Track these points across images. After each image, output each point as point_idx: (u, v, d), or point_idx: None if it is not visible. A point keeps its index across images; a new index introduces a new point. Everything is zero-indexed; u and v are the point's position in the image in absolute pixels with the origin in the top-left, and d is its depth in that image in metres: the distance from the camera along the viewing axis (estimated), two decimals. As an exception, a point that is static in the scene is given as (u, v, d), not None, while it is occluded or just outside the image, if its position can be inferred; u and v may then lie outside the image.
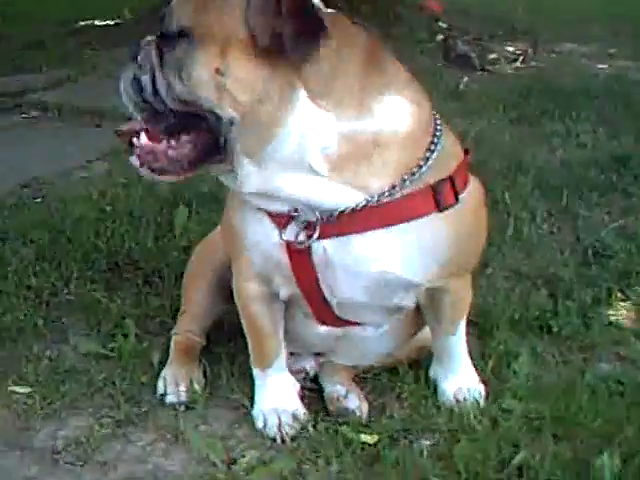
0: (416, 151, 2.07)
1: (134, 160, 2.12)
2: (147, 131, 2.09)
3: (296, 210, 2.06)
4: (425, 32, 7.90)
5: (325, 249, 2.10)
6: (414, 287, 2.22)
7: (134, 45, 2.06)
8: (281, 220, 2.10)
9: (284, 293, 2.28)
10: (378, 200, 2.03)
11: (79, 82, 6.54)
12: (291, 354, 2.55)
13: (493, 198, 3.91)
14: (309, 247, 2.10)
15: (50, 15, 9.54)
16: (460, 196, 2.12)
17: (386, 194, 2.03)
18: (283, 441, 2.30)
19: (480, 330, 2.83)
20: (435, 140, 2.11)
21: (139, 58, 2.03)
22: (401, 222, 2.07)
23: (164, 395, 2.51)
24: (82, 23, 9.07)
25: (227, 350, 2.74)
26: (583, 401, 2.37)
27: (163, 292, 3.10)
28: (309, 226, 2.07)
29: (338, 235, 2.08)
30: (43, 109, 5.68)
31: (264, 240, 2.16)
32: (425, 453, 2.19)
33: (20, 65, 7.03)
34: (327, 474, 2.15)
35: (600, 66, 7.38)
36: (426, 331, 2.54)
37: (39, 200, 4.10)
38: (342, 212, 2.03)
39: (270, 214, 2.12)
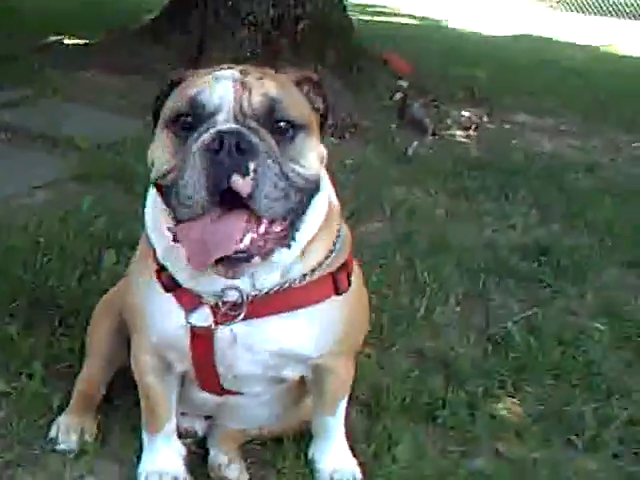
0: (331, 240, 2.25)
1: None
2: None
3: (222, 291, 2.16)
4: (385, 88, 8.05)
5: (232, 331, 2.21)
6: (306, 360, 2.36)
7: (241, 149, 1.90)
8: (189, 303, 2.20)
9: (178, 368, 2.39)
10: (298, 283, 2.18)
11: (38, 104, 6.56)
12: (182, 413, 2.68)
13: (413, 276, 4.08)
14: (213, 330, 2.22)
15: (21, 28, 9.56)
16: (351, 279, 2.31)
17: (305, 278, 2.18)
18: (162, 503, 2.41)
19: (369, 410, 2.97)
20: (339, 228, 2.29)
21: (255, 160, 1.90)
22: (308, 305, 2.22)
23: (55, 440, 2.62)
24: (52, 38, 9.10)
25: (124, 403, 2.85)
26: (450, 497, 2.51)
27: (77, 334, 3.17)
28: (216, 309, 2.18)
29: (251, 317, 2.19)
30: (-4, 129, 5.74)
31: (166, 322, 2.25)
32: (290, 532, 2.31)
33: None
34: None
35: (547, 142, 7.59)
36: (307, 407, 2.67)
37: (-26, 224, 4.17)
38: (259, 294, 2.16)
39: (179, 297, 2.21)
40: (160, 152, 2.02)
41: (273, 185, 1.91)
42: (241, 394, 2.48)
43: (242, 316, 2.16)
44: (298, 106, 2.05)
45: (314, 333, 2.27)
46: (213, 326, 2.20)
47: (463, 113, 8.16)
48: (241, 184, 1.86)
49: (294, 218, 2.04)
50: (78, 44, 8.90)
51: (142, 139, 5.69)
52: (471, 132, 7.65)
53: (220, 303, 2.16)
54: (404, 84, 8.38)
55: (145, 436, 2.53)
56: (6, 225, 4.09)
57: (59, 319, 3.33)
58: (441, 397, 3.09)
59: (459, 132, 7.55)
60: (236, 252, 1.92)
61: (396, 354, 3.41)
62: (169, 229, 2.05)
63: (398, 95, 7.96)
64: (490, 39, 15.25)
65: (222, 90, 1.95)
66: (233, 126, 1.92)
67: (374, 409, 2.97)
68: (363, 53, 8.75)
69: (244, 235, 1.93)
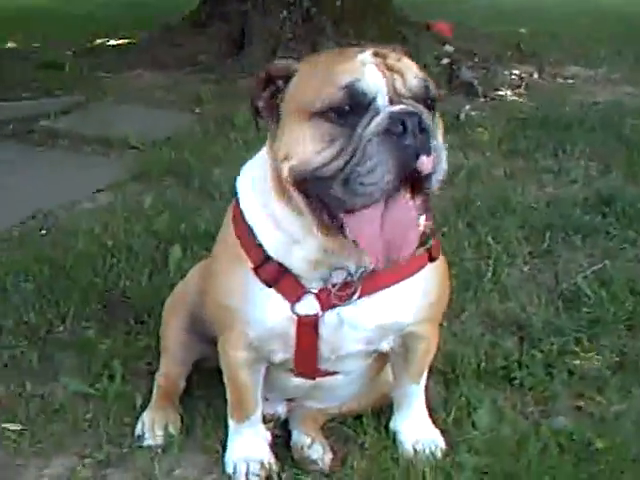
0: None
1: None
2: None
3: (330, 274, 2.18)
4: (431, 55, 7.99)
5: (339, 314, 2.24)
6: (404, 329, 2.38)
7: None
8: (293, 294, 2.22)
9: (278, 358, 2.40)
10: None
11: (89, 108, 6.69)
12: (265, 399, 2.71)
13: (477, 240, 4.06)
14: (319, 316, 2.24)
15: (65, 34, 9.70)
16: None
17: None
18: (249, 488, 2.47)
19: (445, 379, 2.98)
20: None
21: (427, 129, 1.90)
22: (410, 276, 2.25)
23: (141, 437, 2.68)
24: (99, 41, 9.23)
25: (205, 393, 2.91)
26: (533, 456, 2.52)
27: (152, 332, 3.23)
28: (321, 295, 2.21)
29: (361, 297, 2.21)
30: (54, 136, 5.85)
31: (270, 316, 2.26)
32: (379, 505, 2.34)
33: (33, 88, 7.22)
34: (286, 522, 2.31)
35: (601, 92, 7.48)
36: (386, 379, 2.71)
37: (44, 232, 4.29)
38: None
39: (281, 290, 2.22)
40: (312, 142, 1.96)
41: (445, 160, 1.94)
42: (333, 374, 2.51)
43: (357, 296, 2.19)
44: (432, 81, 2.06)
45: (414, 302, 2.31)
46: (320, 313, 2.23)
47: (512, 72, 8.08)
48: (428, 164, 1.87)
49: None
50: (122, 45, 9.01)
51: (194, 132, 5.81)
52: (522, 90, 7.57)
53: (330, 286, 2.18)
54: (450, 49, 8.34)
55: (232, 424, 2.58)
56: (73, 231, 4.18)
57: (133, 318, 3.40)
58: (516, 359, 3.09)
59: (510, 92, 7.49)
60: None
61: (467, 320, 3.41)
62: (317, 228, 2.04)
63: (445, 60, 7.91)
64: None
65: (375, 75, 1.93)
66: (404, 107, 1.90)
67: (450, 377, 2.99)
68: (404, 22, 8.72)
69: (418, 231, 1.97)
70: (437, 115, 2.03)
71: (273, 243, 2.18)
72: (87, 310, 3.44)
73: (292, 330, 2.26)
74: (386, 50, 2.04)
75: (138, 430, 2.71)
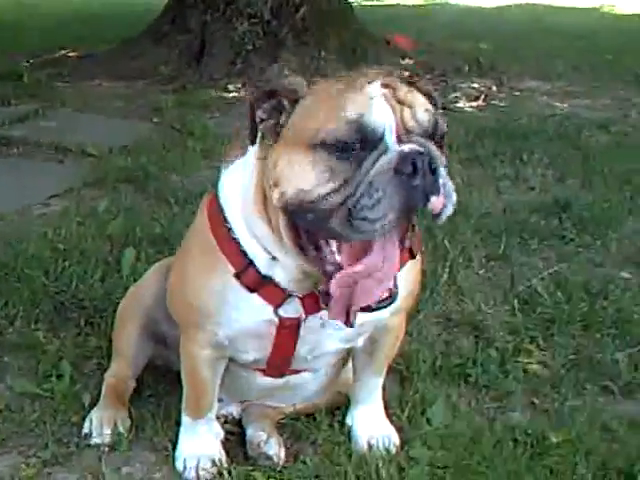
0: None
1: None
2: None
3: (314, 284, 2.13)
4: (391, 69, 8.00)
5: (322, 317, 2.20)
6: (380, 323, 2.36)
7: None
8: (276, 298, 2.17)
9: (249, 357, 2.37)
10: None
11: (46, 116, 6.62)
12: (219, 400, 2.68)
13: (434, 244, 4.05)
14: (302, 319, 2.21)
15: (23, 46, 9.62)
16: None
17: None
18: (200, 484, 2.42)
19: (401, 377, 2.96)
20: None
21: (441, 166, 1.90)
22: None
23: (89, 435, 2.62)
24: (58, 54, 9.16)
25: (154, 392, 2.86)
26: (487, 451, 2.49)
27: (103, 333, 3.18)
28: (306, 299, 2.17)
29: None
30: (6, 144, 5.76)
31: (251, 319, 2.22)
32: (331, 499, 2.31)
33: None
34: (235, 518, 2.27)
35: (558, 105, 7.56)
36: (343, 377, 2.68)
37: (-5, 236, 4.20)
38: None
39: (263, 294, 2.17)
40: (311, 175, 1.90)
41: (454, 195, 1.91)
42: (302, 371, 2.50)
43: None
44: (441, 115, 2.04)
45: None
46: (304, 316, 2.20)
47: (471, 85, 8.14)
48: (437, 204, 1.86)
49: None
50: (81, 56, 8.94)
51: (152, 140, 5.76)
52: (480, 103, 7.62)
53: (317, 292, 2.12)
54: (410, 62, 8.36)
55: (186, 421, 2.53)
56: (25, 235, 4.09)
57: (84, 320, 3.33)
58: (471, 357, 3.08)
59: (468, 104, 7.52)
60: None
61: (423, 320, 3.39)
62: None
63: (405, 74, 7.91)
64: (492, 10, 15.17)
65: (383, 109, 1.89)
66: (415, 147, 1.87)
67: (405, 375, 2.96)
68: (365, 36, 8.75)
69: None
70: (445, 150, 2.00)
71: (255, 254, 2.14)
72: (37, 312, 3.36)
73: (271, 332, 2.23)
74: (395, 80, 1.99)
75: (86, 428, 2.64)
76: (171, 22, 8.57)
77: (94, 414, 2.68)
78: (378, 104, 1.89)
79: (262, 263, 2.13)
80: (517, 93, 8.07)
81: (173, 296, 2.46)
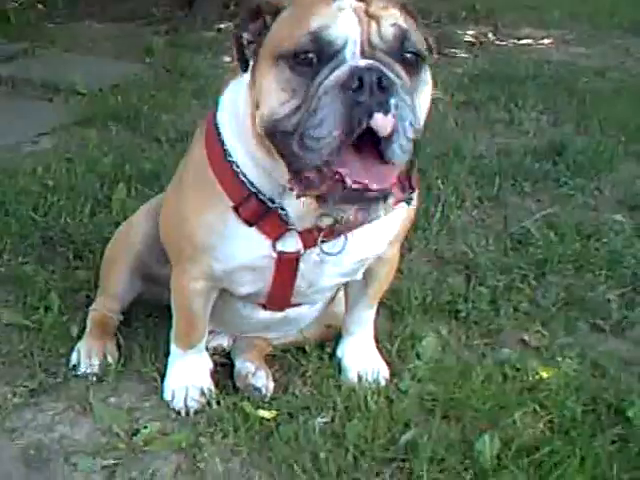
0: None
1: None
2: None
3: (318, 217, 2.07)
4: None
5: (320, 253, 2.17)
6: (377, 256, 2.34)
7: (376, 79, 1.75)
8: (275, 232, 2.12)
9: (244, 290, 2.33)
10: None
11: (36, 55, 6.51)
12: (210, 331, 2.66)
13: (427, 184, 4.02)
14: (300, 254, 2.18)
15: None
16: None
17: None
18: (187, 414, 2.41)
19: (391, 312, 2.94)
20: None
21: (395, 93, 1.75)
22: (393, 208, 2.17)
23: (77, 366, 2.60)
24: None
25: (143, 324, 2.84)
26: (477, 384, 2.49)
27: (92, 266, 3.15)
28: (305, 233, 2.12)
29: (339, 235, 2.15)
30: (-5, 82, 5.68)
31: (249, 254, 2.17)
32: (319, 430, 2.29)
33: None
34: (223, 447, 2.26)
35: (554, 52, 7.49)
36: (332, 311, 2.68)
37: (-17, 173, 4.14)
38: None
39: (262, 228, 2.11)
40: (276, 91, 1.83)
41: (410, 124, 1.77)
42: (299, 306, 2.48)
43: (345, 245, 2.14)
44: (420, 35, 1.93)
45: (392, 231, 2.28)
46: (302, 251, 2.16)
47: (467, 32, 8.05)
48: (383, 123, 1.72)
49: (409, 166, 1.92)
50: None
51: (143, 80, 5.69)
52: (476, 49, 7.55)
53: (315, 230, 2.10)
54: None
55: (175, 351, 2.51)
56: (14, 171, 4.04)
57: (73, 254, 3.29)
58: (462, 294, 3.07)
59: (464, 50, 7.45)
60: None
61: (415, 259, 3.38)
62: (289, 181, 1.88)
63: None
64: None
65: (348, 22, 1.79)
66: (370, 62, 1.76)
67: (396, 310, 2.95)
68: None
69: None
70: (424, 71, 1.91)
71: (258, 180, 2.07)
72: (25, 245, 3.33)
73: (270, 266, 2.19)
74: None
75: (73, 359, 2.62)
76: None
77: (81, 344, 2.66)
78: (343, 16, 1.80)
79: (271, 192, 2.06)
80: (513, 40, 7.99)
81: (167, 229, 2.40)
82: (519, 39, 8.07)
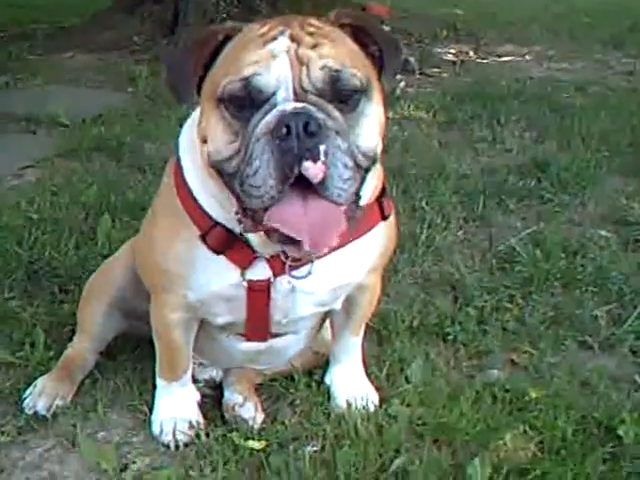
0: (378, 180, 2.20)
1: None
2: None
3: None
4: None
5: (291, 281, 2.16)
6: (355, 284, 2.33)
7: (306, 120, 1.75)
8: (243, 260, 2.13)
9: (222, 320, 2.32)
10: None
11: (18, 88, 6.52)
12: (200, 364, 2.66)
13: (412, 205, 4.03)
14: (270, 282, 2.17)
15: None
16: None
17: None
18: (177, 447, 2.39)
19: (379, 337, 2.94)
20: None
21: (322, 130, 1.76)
22: (363, 235, 2.18)
23: (23, 401, 2.56)
24: (33, 26, 9.01)
25: (130, 357, 2.82)
26: (466, 407, 2.48)
27: (78, 299, 3.09)
28: (273, 261, 2.12)
29: (307, 261, 2.13)
30: (-22, 116, 5.66)
31: (219, 283, 2.17)
32: (309, 459, 2.28)
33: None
34: (213, 480, 2.24)
35: (536, 68, 7.53)
36: (320, 337, 2.66)
37: (-33, 208, 4.12)
38: None
39: (230, 256, 2.12)
40: (219, 133, 1.86)
41: (344, 166, 1.78)
42: (282, 336, 2.46)
43: (311, 269, 2.13)
44: (358, 66, 1.87)
45: (366, 259, 2.27)
46: (272, 278, 2.15)
47: (448, 51, 8.09)
48: (313, 170, 1.73)
49: (357, 198, 1.93)
50: (53, 29, 8.81)
51: (126, 110, 5.68)
52: (458, 67, 7.58)
53: (283, 257, 2.09)
54: (387, 28, 8.28)
55: (161, 384, 2.50)
56: (-2, 206, 4.03)
57: (58, 287, 3.28)
58: (449, 316, 3.06)
59: (446, 69, 7.48)
60: None
61: (401, 281, 3.37)
62: (236, 214, 1.93)
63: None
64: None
65: (279, 68, 1.80)
66: (298, 105, 1.77)
67: (384, 335, 2.94)
68: (341, 2, 8.63)
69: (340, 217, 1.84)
70: (365, 104, 1.87)
71: (217, 211, 2.09)
72: (10, 281, 3.31)
73: (242, 295, 2.19)
74: (306, 31, 1.87)
75: (26, 393, 2.58)
76: (143, -8, 8.46)
77: (39, 382, 2.62)
78: (275, 63, 1.81)
79: (230, 223, 2.06)
80: (495, 57, 8.03)
81: (141, 259, 2.42)
82: (500, 56, 8.12)
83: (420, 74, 7.12)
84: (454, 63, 7.61)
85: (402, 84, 6.62)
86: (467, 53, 8.08)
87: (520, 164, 4.74)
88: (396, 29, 8.32)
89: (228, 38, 1.95)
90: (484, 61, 7.89)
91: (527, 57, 8.05)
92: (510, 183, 4.41)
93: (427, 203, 4.06)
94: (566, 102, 6.10)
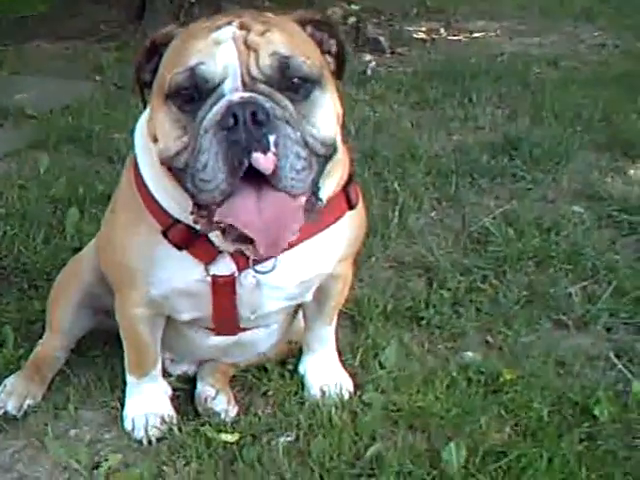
0: (344, 170, 2.16)
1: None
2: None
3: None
4: (338, 15, 7.88)
5: (256, 276, 2.12)
6: (324, 276, 2.30)
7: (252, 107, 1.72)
8: (207, 255, 2.09)
9: (186, 316, 2.29)
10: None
11: (-16, 79, 6.40)
12: (172, 360, 2.64)
13: (384, 188, 4.00)
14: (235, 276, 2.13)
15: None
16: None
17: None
18: (150, 442, 2.36)
19: (353, 322, 2.92)
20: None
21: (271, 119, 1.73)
22: (329, 226, 2.14)
23: None
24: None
25: (101, 353, 2.79)
26: (440, 391, 2.47)
27: (48, 295, 3.06)
28: (237, 255, 2.08)
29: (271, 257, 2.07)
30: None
31: (183, 278, 2.14)
32: (283, 450, 2.26)
33: None
34: (186, 475, 2.21)
35: (507, 44, 7.50)
36: (293, 326, 2.63)
37: None
38: None
39: (193, 252, 2.08)
40: (167, 129, 1.83)
41: (296, 156, 1.74)
42: (253, 329, 2.43)
43: (276, 263, 2.07)
44: (310, 56, 1.85)
45: (334, 250, 2.23)
46: (236, 273, 2.11)
47: (419, 28, 8.05)
48: (263, 161, 1.69)
49: (315, 189, 1.89)
50: (18, 18, 8.66)
51: (94, 99, 5.61)
52: (428, 45, 7.54)
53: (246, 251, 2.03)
54: (356, 7, 8.23)
55: (131, 381, 2.47)
56: (-36, 201, 3.97)
57: (27, 283, 3.23)
58: (423, 299, 3.04)
59: (416, 47, 7.43)
60: None
61: (375, 265, 3.35)
62: (191, 214, 1.90)
63: (351, 19, 7.80)
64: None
65: (225, 56, 1.76)
66: (245, 95, 1.73)
67: (357, 320, 2.92)
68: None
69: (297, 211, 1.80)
70: (317, 92, 1.85)
71: (175, 209, 2.05)
72: (-23, 278, 3.27)
73: (207, 291, 2.15)
74: (252, 19, 1.85)
75: None
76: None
77: (8, 381, 2.58)
78: (219, 50, 1.78)
79: (188, 219, 2.01)
80: (466, 34, 7.98)
81: (103, 255, 2.40)
82: (471, 33, 8.07)
83: (391, 53, 7.08)
84: (425, 41, 7.56)
85: (373, 63, 6.58)
86: (438, 31, 8.02)
87: (492, 142, 4.71)
88: (366, 8, 8.29)
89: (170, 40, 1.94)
90: (455, 38, 7.83)
91: (498, 32, 8.00)
92: (483, 162, 4.39)
93: (399, 185, 4.02)
94: (537, 77, 6.08)
